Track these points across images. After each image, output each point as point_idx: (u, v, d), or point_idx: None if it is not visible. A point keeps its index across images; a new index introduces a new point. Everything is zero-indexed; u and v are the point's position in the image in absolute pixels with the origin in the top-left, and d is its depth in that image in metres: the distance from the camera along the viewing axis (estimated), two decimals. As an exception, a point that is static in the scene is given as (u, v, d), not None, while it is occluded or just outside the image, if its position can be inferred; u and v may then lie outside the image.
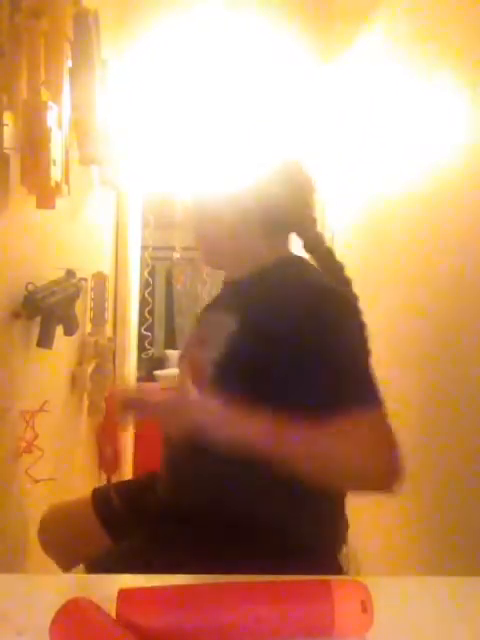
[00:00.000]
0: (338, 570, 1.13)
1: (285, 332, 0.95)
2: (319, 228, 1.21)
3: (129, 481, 2.02)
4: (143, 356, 3.26)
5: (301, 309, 0.96)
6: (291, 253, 1.17)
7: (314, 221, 1.19)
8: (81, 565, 1.27)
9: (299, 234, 1.19)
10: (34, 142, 1.27)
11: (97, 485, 1.54)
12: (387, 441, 0.89)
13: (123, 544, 1.20)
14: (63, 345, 1.70)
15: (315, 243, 1.18)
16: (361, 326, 1.00)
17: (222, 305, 1.18)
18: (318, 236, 1.19)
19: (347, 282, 1.15)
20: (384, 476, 0.89)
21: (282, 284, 1.05)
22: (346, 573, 1.85)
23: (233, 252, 1.15)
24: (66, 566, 1.33)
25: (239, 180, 1.13)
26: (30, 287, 1.38)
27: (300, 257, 1.16)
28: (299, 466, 0.90)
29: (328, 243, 1.20)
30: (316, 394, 0.92)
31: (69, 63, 1.49)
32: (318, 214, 1.20)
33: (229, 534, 1.00)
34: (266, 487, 1.03)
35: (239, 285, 1.16)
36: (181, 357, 1.30)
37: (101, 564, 1.12)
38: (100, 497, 1.34)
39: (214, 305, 1.24)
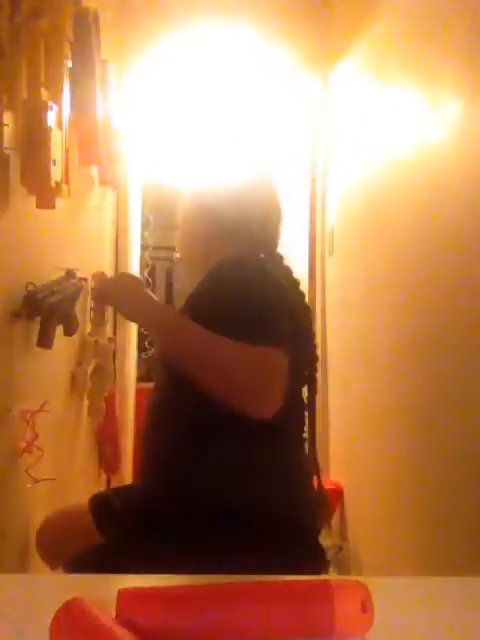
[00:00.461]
0: (317, 547, 1.18)
1: (219, 295, 1.11)
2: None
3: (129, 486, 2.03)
4: (143, 356, 3.26)
5: (229, 278, 1.14)
6: (253, 252, 1.29)
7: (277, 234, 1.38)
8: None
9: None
10: (34, 142, 1.27)
11: (97, 485, 1.55)
12: (272, 371, 1.00)
13: (104, 542, 1.24)
14: (63, 345, 1.70)
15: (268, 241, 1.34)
16: (277, 292, 1.15)
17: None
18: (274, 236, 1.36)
19: (295, 283, 1.28)
20: (258, 398, 0.99)
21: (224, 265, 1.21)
22: (331, 560, 1.86)
23: (215, 253, 1.27)
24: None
25: (237, 186, 1.31)
26: (30, 287, 1.38)
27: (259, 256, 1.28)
28: (183, 354, 1.07)
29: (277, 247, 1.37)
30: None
31: (69, 63, 1.49)
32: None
33: (198, 516, 1.06)
34: (223, 465, 1.10)
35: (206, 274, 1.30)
36: None
37: (81, 561, 1.15)
38: (98, 505, 1.36)
39: None
